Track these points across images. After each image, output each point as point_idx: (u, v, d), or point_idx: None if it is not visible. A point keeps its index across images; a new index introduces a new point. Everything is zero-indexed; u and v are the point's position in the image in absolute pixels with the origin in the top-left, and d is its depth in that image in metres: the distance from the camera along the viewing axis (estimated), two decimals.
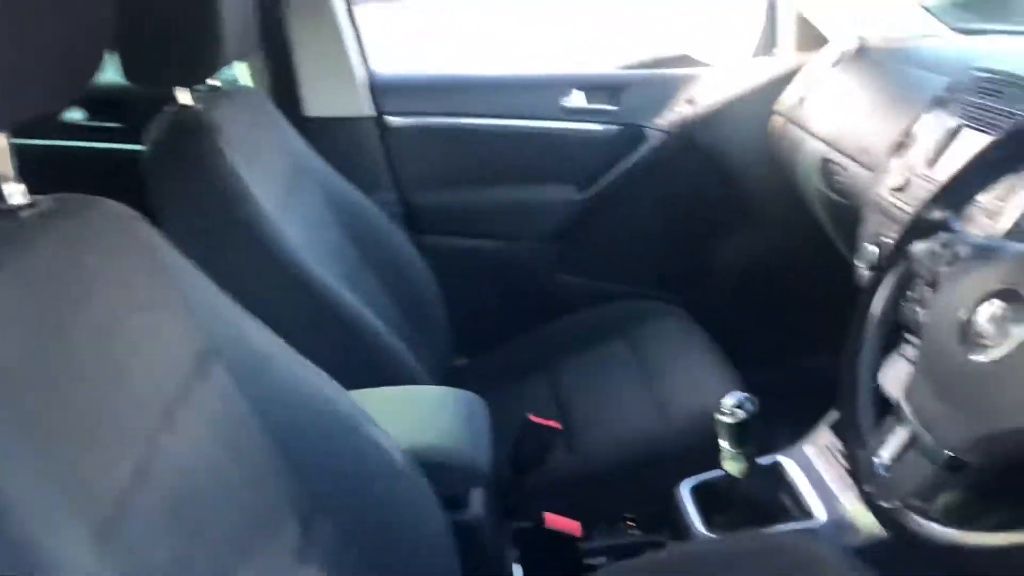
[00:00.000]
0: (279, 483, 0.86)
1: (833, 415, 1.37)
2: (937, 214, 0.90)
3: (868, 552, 1.16)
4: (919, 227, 0.91)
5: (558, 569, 1.14)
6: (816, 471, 1.30)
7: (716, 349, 1.57)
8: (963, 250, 0.84)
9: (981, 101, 1.18)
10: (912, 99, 1.36)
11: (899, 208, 1.22)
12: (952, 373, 0.75)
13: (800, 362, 1.86)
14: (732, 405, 1.17)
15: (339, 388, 0.98)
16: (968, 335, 0.75)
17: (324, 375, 0.97)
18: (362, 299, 1.34)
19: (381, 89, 1.89)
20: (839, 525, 1.20)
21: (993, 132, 1.10)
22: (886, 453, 0.81)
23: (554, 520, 1.24)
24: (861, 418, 0.88)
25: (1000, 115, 1.12)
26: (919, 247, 0.90)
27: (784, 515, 1.24)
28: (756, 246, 1.92)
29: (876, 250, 1.25)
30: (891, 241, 1.21)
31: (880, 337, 0.92)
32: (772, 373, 1.74)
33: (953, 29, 1.72)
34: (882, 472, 0.80)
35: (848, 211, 1.43)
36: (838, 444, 1.32)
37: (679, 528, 1.27)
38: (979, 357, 0.73)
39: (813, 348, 1.89)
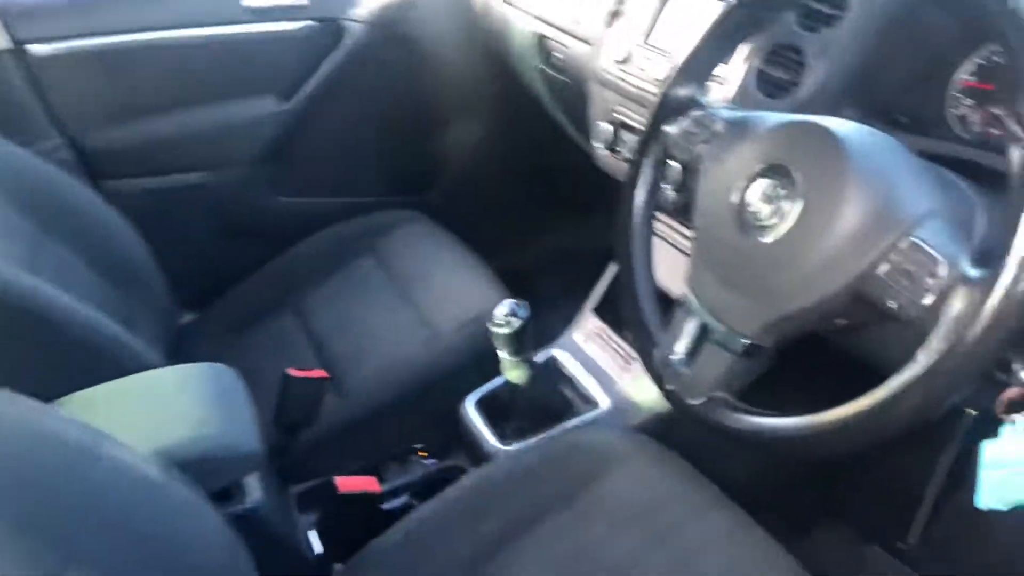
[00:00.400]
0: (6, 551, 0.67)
1: (595, 298, 1.37)
2: (682, 91, 0.87)
3: (651, 426, 1.20)
4: (667, 107, 0.87)
5: (358, 528, 1.05)
6: (590, 358, 1.31)
7: (468, 251, 1.50)
8: (718, 126, 0.81)
9: None
10: None
11: (626, 82, 1.20)
12: (734, 259, 0.74)
13: (552, 245, 1.87)
14: (505, 315, 1.12)
15: (53, 412, 0.77)
16: (743, 218, 0.73)
17: (24, 401, 0.76)
18: (52, 281, 1.08)
19: (13, 14, 1.51)
20: (621, 408, 1.22)
21: None
22: (680, 348, 0.79)
23: (347, 483, 1.14)
24: (647, 317, 0.85)
25: None
26: (672, 129, 0.86)
27: (569, 410, 1.23)
28: (484, 135, 1.86)
29: (610, 127, 1.23)
30: (624, 117, 1.20)
31: (647, 230, 0.89)
32: (526, 263, 1.73)
33: None
34: (682, 369, 0.78)
35: (573, 89, 1.40)
36: (604, 327, 1.33)
37: (472, 447, 1.23)
38: (758, 239, 0.71)
39: (561, 230, 1.91)
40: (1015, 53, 0.61)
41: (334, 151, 1.75)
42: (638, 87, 1.18)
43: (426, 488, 1.22)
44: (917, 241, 0.62)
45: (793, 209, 0.69)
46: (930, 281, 0.60)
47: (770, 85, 1.00)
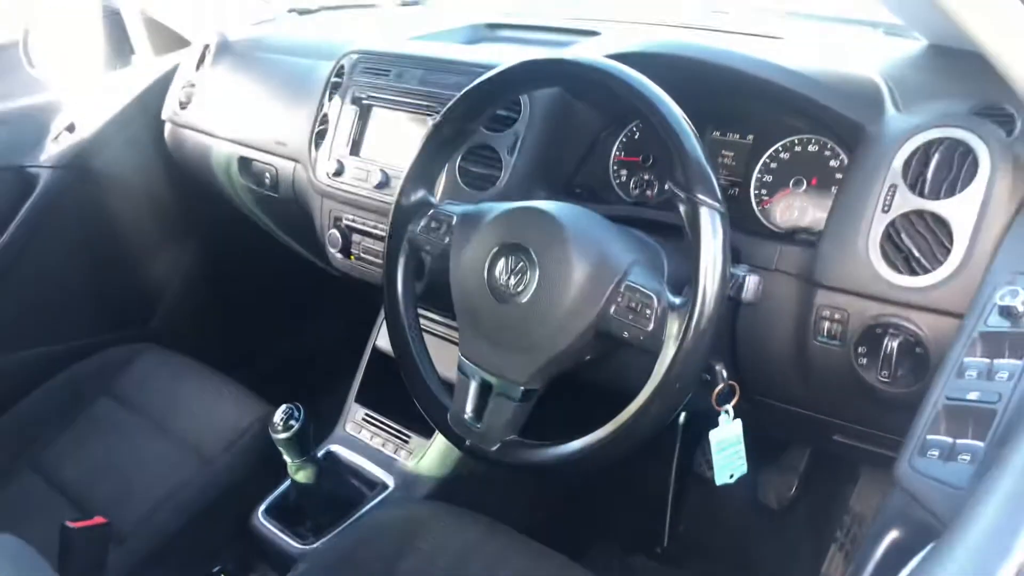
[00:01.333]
0: None
1: (356, 388, 1.48)
2: (414, 197, 1.03)
3: (438, 492, 1.33)
4: (405, 212, 1.03)
5: None
6: (366, 444, 1.41)
7: (211, 372, 1.53)
8: (454, 220, 0.99)
9: (376, 81, 1.34)
10: (307, 87, 1.47)
11: (343, 191, 1.34)
12: (498, 324, 0.91)
13: (302, 346, 1.92)
14: (283, 420, 1.19)
15: None
16: (496, 290, 0.91)
17: None
18: None
19: None
20: (407, 483, 1.33)
21: (417, 109, 1.27)
22: (469, 408, 0.94)
23: None
24: (435, 391, 0.99)
25: (402, 92, 1.30)
26: (414, 229, 1.02)
27: (360, 497, 1.32)
28: (200, 257, 1.88)
29: (337, 233, 1.36)
30: (350, 223, 1.34)
31: (414, 316, 1.03)
32: (279, 367, 1.78)
33: (289, 11, 1.88)
34: (475, 425, 0.93)
35: (290, 204, 1.51)
36: (371, 412, 1.44)
37: (273, 555, 1.27)
38: (513, 305, 0.89)
39: (304, 331, 1.98)
40: (657, 129, 0.84)
41: (47, 296, 1.68)
42: (356, 193, 1.32)
43: None
44: (631, 283, 0.84)
45: (534, 276, 0.88)
46: (648, 312, 0.82)
47: (475, 179, 1.20)
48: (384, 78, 1.33)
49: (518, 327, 0.89)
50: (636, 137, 1.23)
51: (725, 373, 0.91)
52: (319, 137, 1.41)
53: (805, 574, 1.50)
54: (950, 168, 0.88)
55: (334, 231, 1.36)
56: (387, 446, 1.39)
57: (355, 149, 1.35)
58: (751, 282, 0.85)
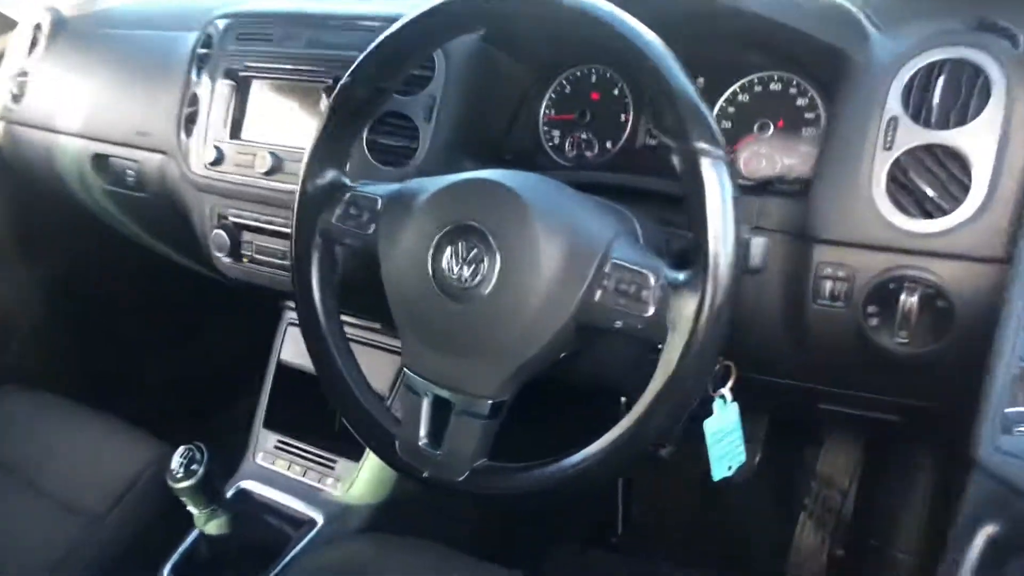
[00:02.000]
0: None
1: (263, 412, 1.27)
2: (322, 180, 0.84)
3: (375, 522, 1.15)
4: (313, 198, 0.83)
5: None
6: (282, 476, 1.21)
7: (87, 410, 1.28)
8: (379, 204, 0.80)
9: (254, 48, 1.13)
10: (169, 63, 1.23)
11: (226, 182, 1.12)
12: (452, 327, 0.73)
13: (188, 369, 1.67)
14: (182, 465, 0.98)
15: None
16: (446, 285, 0.73)
17: None
18: None
19: None
20: (337, 516, 1.15)
21: (308, 77, 1.07)
22: (423, 432, 0.76)
23: None
24: (375, 414, 0.80)
25: (288, 58, 1.09)
26: (328, 218, 0.83)
27: (284, 539, 1.12)
28: (56, 278, 1.60)
29: (223, 232, 1.14)
30: (238, 219, 1.12)
31: (338, 326, 0.84)
32: (156, 399, 1.53)
33: None
34: (433, 452, 0.75)
35: (160, 204, 1.27)
36: (285, 438, 1.24)
37: None
38: (470, 302, 0.71)
39: (190, 352, 1.73)
40: (632, 68, 0.67)
41: None
42: (241, 184, 1.11)
43: None
44: (618, 261, 0.67)
45: (493, 265, 0.70)
46: (644, 293, 0.66)
47: (387, 153, 1.01)
48: (264, 44, 1.12)
49: (479, 329, 0.71)
50: (567, 92, 1.07)
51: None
52: (189, 122, 1.18)
53: (775, 545, 1.41)
54: (957, 93, 0.76)
55: (219, 231, 1.14)
56: (309, 475, 1.20)
57: (235, 131, 1.13)
58: (757, 245, 0.70)
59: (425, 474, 0.76)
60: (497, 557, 0.97)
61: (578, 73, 1.07)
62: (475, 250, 0.71)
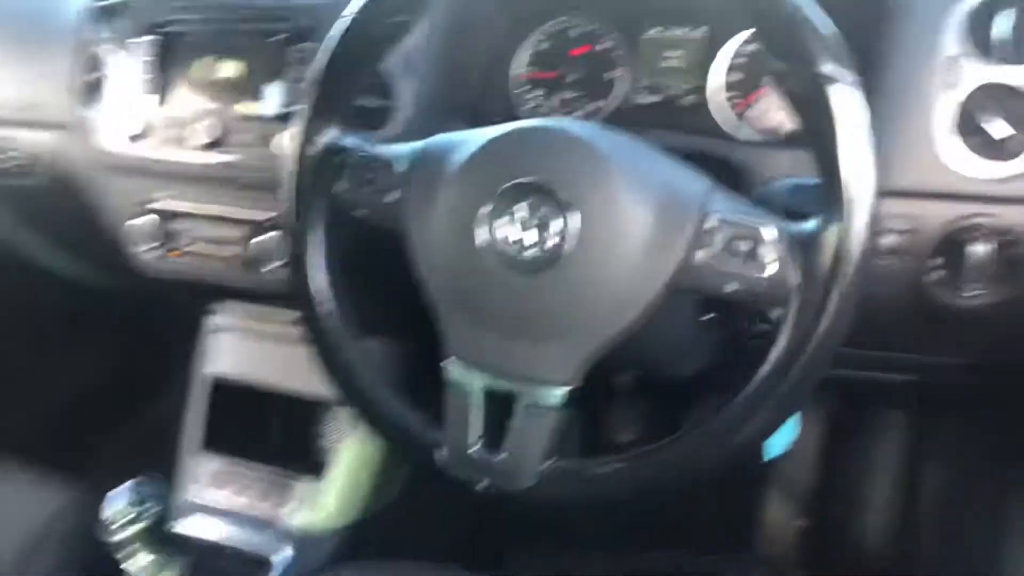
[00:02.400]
0: None
1: (201, 433, 1.08)
2: (325, 138, 0.69)
3: (345, 547, 1.00)
4: (319, 163, 0.68)
5: None
6: (231, 509, 1.03)
7: None
8: (401, 166, 0.66)
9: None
10: (55, 20, 1.02)
11: (156, 160, 0.94)
12: (519, 306, 0.60)
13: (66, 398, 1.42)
14: (130, 506, 0.80)
15: None
16: (507, 256, 0.60)
17: None
18: None
19: None
20: (304, 546, 0.98)
21: (260, 27, 0.91)
22: (474, 436, 0.63)
23: None
24: (413, 425, 0.66)
25: (231, 6, 0.92)
26: (334, 185, 0.68)
27: None
28: None
29: (156, 219, 0.95)
30: (168, 205, 0.95)
31: (352, 328, 0.69)
32: (41, 432, 1.28)
33: None
34: (492, 458, 0.62)
35: (53, 192, 1.05)
36: (231, 459, 1.06)
37: None
38: (541, 271, 0.59)
39: (59, 376, 1.47)
40: (780, 30, 0.57)
41: None
42: (176, 160, 0.93)
43: None
44: (723, 216, 0.57)
45: (568, 225, 0.58)
46: (763, 251, 0.56)
47: (357, 117, 0.87)
48: None
49: (553, 303, 0.59)
50: (547, 47, 0.97)
51: None
52: (91, 89, 0.98)
53: (743, 519, 1.34)
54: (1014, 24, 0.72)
55: (143, 220, 0.95)
56: (264, 503, 1.02)
57: (163, 98, 0.94)
58: None
59: (484, 484, 0.63)
60: (489, 565, 0.87)
61: (557, 26, 0.97)
62: (542, 211, 0.59)
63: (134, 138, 0.94)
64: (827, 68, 0.54)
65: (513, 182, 0.60)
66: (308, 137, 0.68)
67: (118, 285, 1.13)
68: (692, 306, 0.72)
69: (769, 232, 0.56)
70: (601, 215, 0.58)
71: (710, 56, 0.90)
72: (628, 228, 0.58)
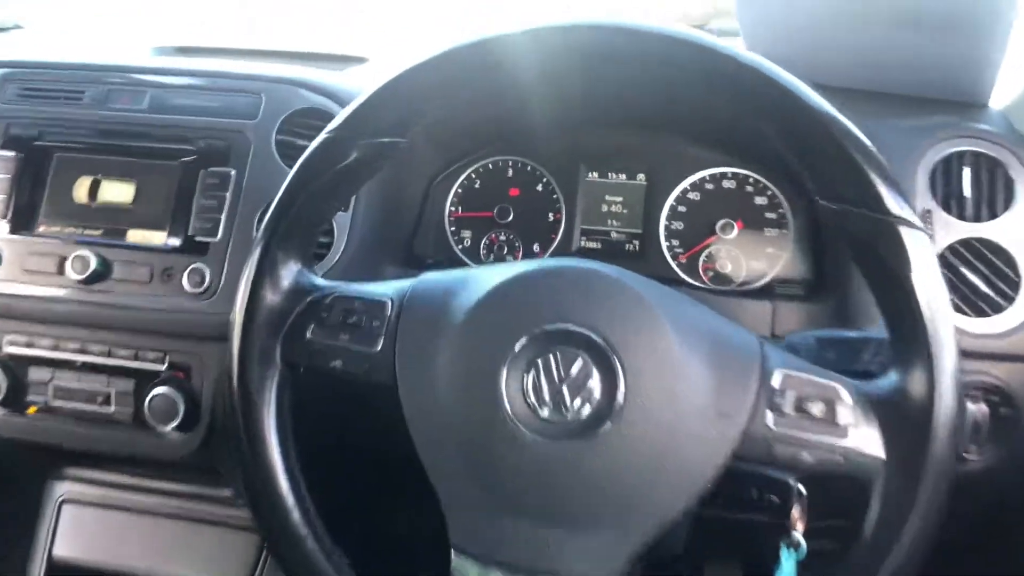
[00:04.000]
0: None
1: None
2: (290, 274, 0.55)
3: None
4: (271, 306, 0.55)
5: None
6: None
7: None
8: (388, 306, 0.54)
9: (53, 110, 0.80)
10: None
11: (13, 295, 0.75)
12: (547, 483, 0.48)
13: None
14: None
15: None
16: (536, 419, 0.48)
17: None
18: None
19: None
20: None
21: (153, 147, 0.77)
22: None
23: None
24: None
25: (114, 124, 0.78)
26: (298, 332, 0.55)
27: None
28: None
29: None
30: (30, 350, 0.76)
31: (306, 496, 0.54)
32: None
33: None
34: None
35: None
36: None
37: None
38: (580, 440, 0.48)
39: None
40: (798, 127, 0.51)
41: None
42: (41, 298, 0.75)
43: None
44: (788, 372, 0.50)
45: (612, 384, 0.48)
46: (842, 413, 0.48)
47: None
48: (70, 105, 0.79)
49: (599, 479, 0.48)
50: (477, 186, 0.90)
51: (802, 488, 0.61)
52: None
53: None
54: (979, 184, 0.72)
55: None
56: None
57: (24, 223, 0.77)
58: None
59: None
60: None
61: (490, 165, 0.90)
62: (579, 365, 0.49)
63: None
64: (901, 213, 0.49)
65: (542, 331, 0.50)
66: (263, 271, 0.55)
67: None
68: None
69: (844, 392, 0.49)
70: (653, 370, 0.48)
71: (653, 204, 0.87)
72: (685, 385, 0.48)
